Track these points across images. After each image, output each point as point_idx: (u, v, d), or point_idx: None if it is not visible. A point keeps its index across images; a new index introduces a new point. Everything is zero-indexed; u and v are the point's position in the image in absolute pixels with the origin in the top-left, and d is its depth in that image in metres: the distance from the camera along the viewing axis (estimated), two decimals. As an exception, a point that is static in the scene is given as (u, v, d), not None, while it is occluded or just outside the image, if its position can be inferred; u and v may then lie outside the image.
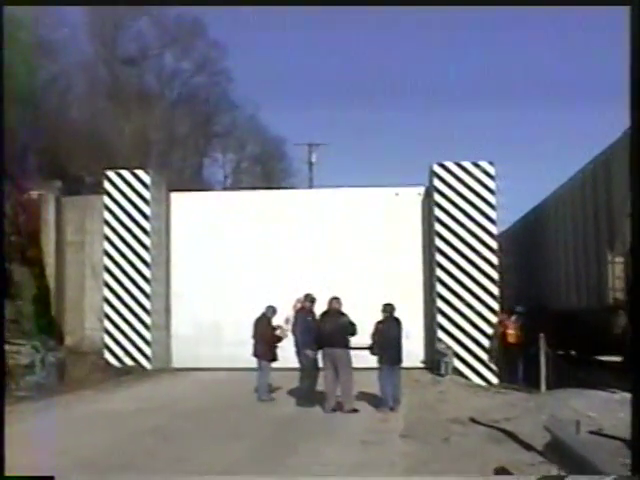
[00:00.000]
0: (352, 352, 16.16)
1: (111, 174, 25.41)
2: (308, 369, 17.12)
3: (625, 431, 12.12)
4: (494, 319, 23.04)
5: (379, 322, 16.30)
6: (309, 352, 16.92)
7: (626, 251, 17.13)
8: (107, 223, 25.08)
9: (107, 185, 25.28)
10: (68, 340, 25.22)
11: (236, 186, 49.22)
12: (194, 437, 13.21)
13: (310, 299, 17.57)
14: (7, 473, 8.82)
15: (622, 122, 17.95)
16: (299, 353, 17.11)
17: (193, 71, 46.69)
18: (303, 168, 52.18)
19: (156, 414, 15.81)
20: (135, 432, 13.80)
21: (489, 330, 22.92)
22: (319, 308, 17.21)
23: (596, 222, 20.64)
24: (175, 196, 26.77)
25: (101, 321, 24.86)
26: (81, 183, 32.51)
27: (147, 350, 24.60)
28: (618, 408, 14.67)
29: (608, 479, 5.67)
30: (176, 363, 25.31)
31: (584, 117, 79.86)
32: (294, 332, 17.36)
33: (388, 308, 16.39)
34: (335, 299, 16.68)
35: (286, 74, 71.07)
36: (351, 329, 16.12)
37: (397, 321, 16.40)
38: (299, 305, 17.78)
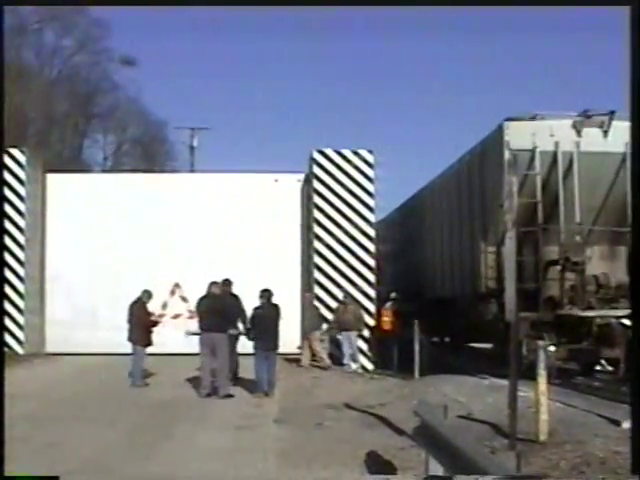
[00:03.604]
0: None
1: (-17, 152, 24.60)
2: None
3: (492, 415, 12.56)
4: (370, 306, 23.31)
5: (256, 308, 16.38)
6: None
7: (498, 241, 17.55)
8: (-22, 203, 24.28)
9: (-21, 164, 24.50)
10: None
11: (116, 168, 48.43)
12: (67, 423, 13.03)
13: (227, 283, 17.55)
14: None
15: (502, 113, 18.42)
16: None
17: (74, 49, 45.61)
18: (185, 152, 51.62)
19: (29, 400, 15.47)
20: (7, 418, 13.49)
21: (366, 316, 23.15)
22: (198, 294, 17.24)
23: (470, 212, 21.10)
24: (52, 177, 26.05)
25: (-29, 305, 24.12)
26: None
27: (20, 334, 23.92)
28: (487, 393, 15.15)
29: (489, 478, 5.87)
30: (50, 348, 24.61)
31: (467, 107, 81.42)
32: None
33: (265, 294, 16.44)
34: (214, 283, 16.78)
35: (169, 56, 70.08)
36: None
37: (275, 307, 16.47)
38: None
